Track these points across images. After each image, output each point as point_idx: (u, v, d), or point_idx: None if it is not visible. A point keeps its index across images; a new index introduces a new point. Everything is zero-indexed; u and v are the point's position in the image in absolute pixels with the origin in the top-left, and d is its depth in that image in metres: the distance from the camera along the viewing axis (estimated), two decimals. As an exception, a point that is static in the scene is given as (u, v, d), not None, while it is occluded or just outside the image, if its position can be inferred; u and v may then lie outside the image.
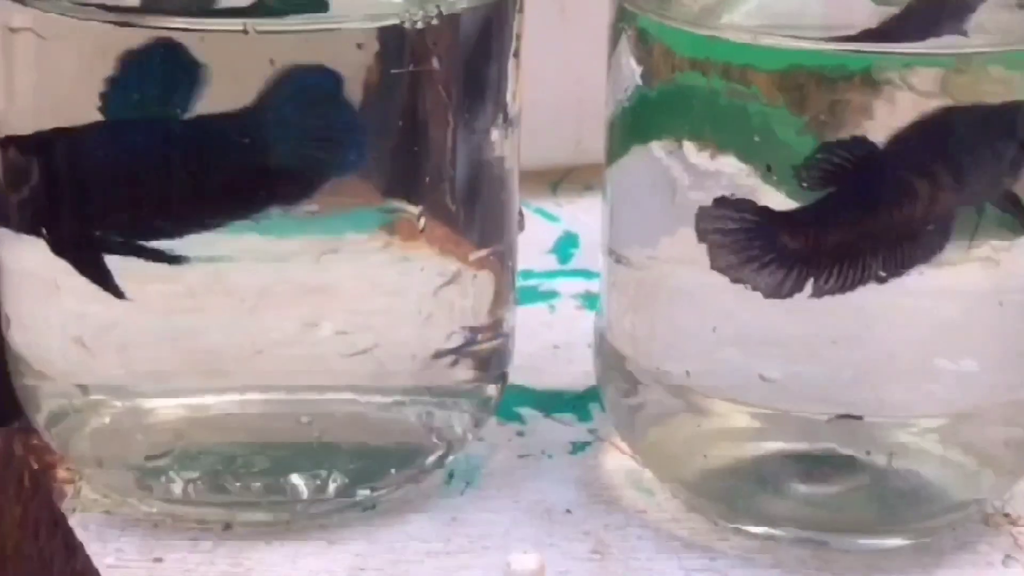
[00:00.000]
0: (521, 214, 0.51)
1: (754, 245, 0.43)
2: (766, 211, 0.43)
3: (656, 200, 0.45)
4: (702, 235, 0.43)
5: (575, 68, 0.69)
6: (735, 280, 0.43)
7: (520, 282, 0.61)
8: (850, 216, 0.42)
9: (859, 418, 0.45)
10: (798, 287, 0.43)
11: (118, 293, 0.44)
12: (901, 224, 0.42)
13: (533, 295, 0.61)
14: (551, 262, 0.64)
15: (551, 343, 0.57)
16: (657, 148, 0.44)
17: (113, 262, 0.45)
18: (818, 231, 0.42)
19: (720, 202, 0.43)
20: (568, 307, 0.60)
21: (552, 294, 0.61)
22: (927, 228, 0.42)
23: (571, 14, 0.70)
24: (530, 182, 0.70)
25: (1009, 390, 0.45)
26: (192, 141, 0.43)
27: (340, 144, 0.44)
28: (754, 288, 0.43)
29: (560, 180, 0.72)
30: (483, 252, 0.48)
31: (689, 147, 0.44)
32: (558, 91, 0.70)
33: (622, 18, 0.46)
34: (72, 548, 0.33)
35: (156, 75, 0.43)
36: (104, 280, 0.45)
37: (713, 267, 0.44)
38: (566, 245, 0.66)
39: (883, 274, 0.43)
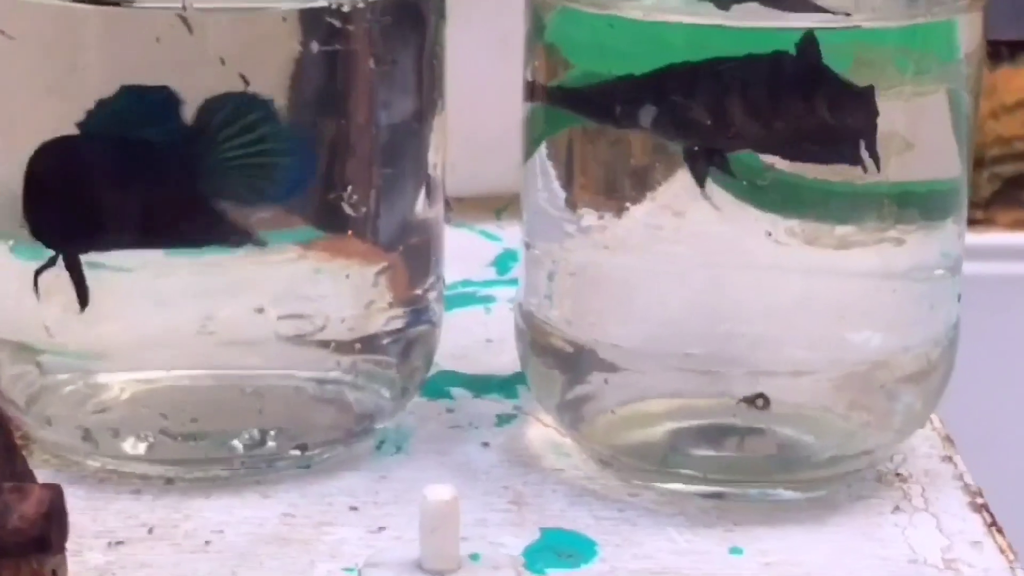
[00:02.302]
0: (448, 203, 0.54)
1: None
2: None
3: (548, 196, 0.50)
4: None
5: (517, 99, 0.73)
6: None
7: (460, 289, 0.65)
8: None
9: (766, 403, 0.48)
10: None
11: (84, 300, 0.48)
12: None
13: (471, 299, 0.65)
14: (490, 273, 0.68)
15: (484, 338, 0.61)
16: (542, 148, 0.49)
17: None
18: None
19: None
20: (503, 309, 0.64)
21: (489, 299, 0.65)
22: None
23: (512, 45, 0.73)
24: (475, 208, 0.74)
25: (884, 354, 0.48)
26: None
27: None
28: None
29: (504, 207, 0.75)
30: (403, 250, 0.51)
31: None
32: (501, 121, 0.73)
33: (535, 28, 0.50)
34: (11, 450, 0.36)
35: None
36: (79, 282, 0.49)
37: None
38: (505, 259, 0.69)
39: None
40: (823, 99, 0.45)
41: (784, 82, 0.45)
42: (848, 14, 0.46)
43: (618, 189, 0.48)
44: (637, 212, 0.47)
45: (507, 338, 0.60)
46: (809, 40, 0.45)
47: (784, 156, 0.46)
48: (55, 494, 0.33)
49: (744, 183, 0.46)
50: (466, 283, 0.66)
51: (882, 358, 0.48)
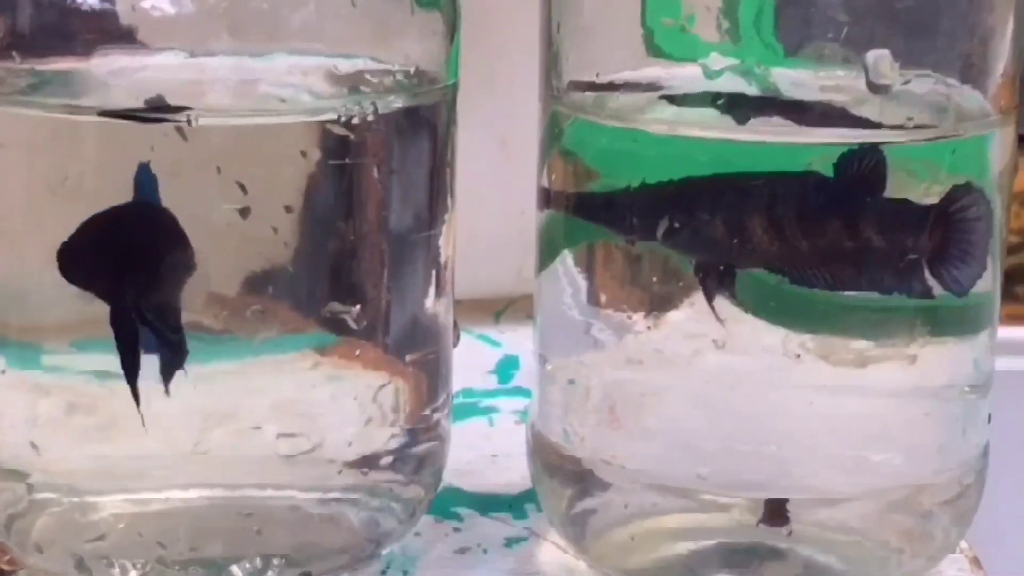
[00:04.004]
0: (456, 328, 0.53)
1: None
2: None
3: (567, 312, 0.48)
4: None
5: (516, 200, 0.72)
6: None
7: (461, 399, 0.63)
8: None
9: (786, 521, 0.47)
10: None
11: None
12: None
13: (473, 410, 0.63)
14: (492, 382, 0.66)
15: (489, 453, 0.59)
16: (561, 262, 0.48)
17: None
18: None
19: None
20: (507, 421, 0.62)
21: (492, 410, 0.63)
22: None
23: (512, 147, 0.72)
24: (474, 311, 0.72)
25: (911, 479, 0.47)
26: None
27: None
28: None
29: (503, 310, 0.74)
30: (412, 363, 0.49)
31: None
32: (500, 223, 0.72)
33: (551, 135, 0.48)
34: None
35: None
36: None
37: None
38: (507, 367, 0.68)
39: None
40: (879, 221, 0.44)
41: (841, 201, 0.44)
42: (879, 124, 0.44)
43: (647, 303, 0.46)
44: (671, 322, 0.46)
45: (513, 453, 0.58)
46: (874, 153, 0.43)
47: (825, 284, 0.44)
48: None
49: (772, 304, 0.45)
50: (467, 393, 0.64)
51: (916, 482, 0.46)
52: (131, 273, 0.45)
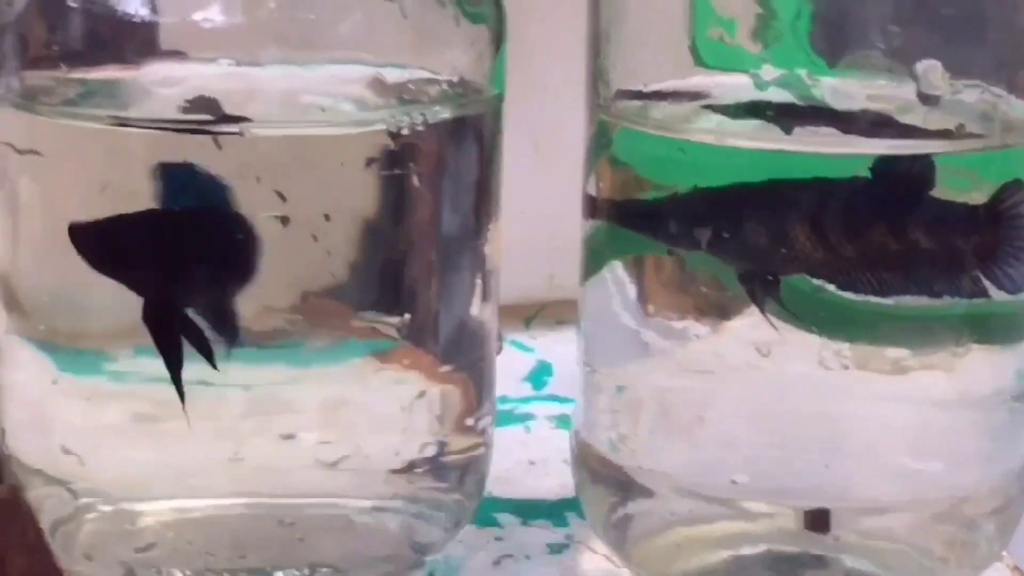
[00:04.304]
0: (500, 337, 0.53)
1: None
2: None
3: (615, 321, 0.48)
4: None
5: (549, 205, 0.72)
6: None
7: (497, 407, 0.63)
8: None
9: (827, 529, 0.47)
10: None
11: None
12: None
13: (509, 418, 0.63)
14: (526, 389, 0.66)
15: (527, 459, 0.59)
16: (609, 271, 0.48)
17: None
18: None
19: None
20: (543, 428, 0.62)
21: (528, 416, 0.63)
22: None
23: (545, 151, 0.72)
24: (505, 317, 0.72)
25: (956, 489, 0.47)
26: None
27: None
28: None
29: (534, 315, 0.74)
30: (457, 370, 0.49)
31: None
32: (532, 228, 0.72)
33: (598, 144, 0.48)
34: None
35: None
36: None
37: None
38: (540, 373, 0.68)
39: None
40: (927, 221, 0.44)
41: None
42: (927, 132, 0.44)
43: (696, 312, 0.46)
44: (720, 331, 0.46)
45: (550, 459, 0.58)
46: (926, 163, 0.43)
47: (873, 289, 0.44)
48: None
49: (820, 314, 0.45)
50: (503, 399, 0.64)
51: (961, 492, 0.46)
52: (172, 272, 0.46)
